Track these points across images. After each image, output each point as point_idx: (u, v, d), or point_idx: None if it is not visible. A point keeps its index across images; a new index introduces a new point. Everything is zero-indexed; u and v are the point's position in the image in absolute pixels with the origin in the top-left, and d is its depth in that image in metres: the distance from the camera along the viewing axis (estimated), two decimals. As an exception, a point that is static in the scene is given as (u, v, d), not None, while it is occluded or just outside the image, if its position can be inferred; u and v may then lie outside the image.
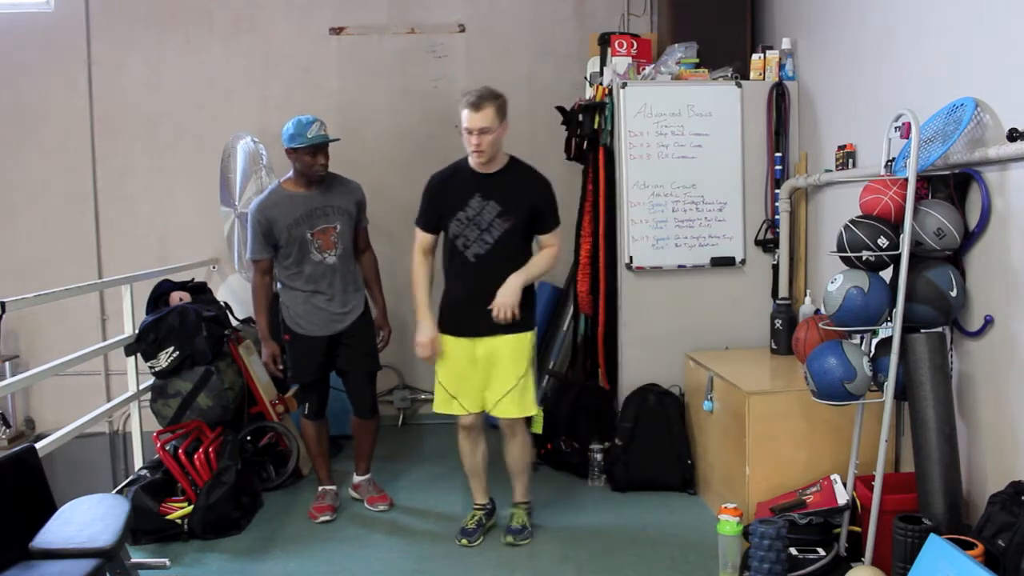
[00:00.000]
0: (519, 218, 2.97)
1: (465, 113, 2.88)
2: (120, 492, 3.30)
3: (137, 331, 3.68)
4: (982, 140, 2.45)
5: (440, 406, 3.11)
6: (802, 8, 3.76)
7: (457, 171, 3.07)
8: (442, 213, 3.03)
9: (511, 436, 3.12)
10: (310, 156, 3.28)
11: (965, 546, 2.09)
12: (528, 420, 3.11)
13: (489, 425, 3.21)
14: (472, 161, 2.97)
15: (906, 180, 2.45)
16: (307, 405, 3.50)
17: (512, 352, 3.00)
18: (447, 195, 3.04)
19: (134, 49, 4.84)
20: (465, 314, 3.02)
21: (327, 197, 3.37)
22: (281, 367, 3.47)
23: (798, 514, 2.69)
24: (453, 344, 3.05)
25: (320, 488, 3.55)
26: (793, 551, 2.56)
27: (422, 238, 3.11)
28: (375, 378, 3.60)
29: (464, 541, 3.09)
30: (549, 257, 3.06)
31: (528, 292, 3.02)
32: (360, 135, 4.79)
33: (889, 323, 2.50)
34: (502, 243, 2.96)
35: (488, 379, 3.03)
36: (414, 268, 3.11)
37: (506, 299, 2.91)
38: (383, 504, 3.52)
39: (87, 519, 2.27)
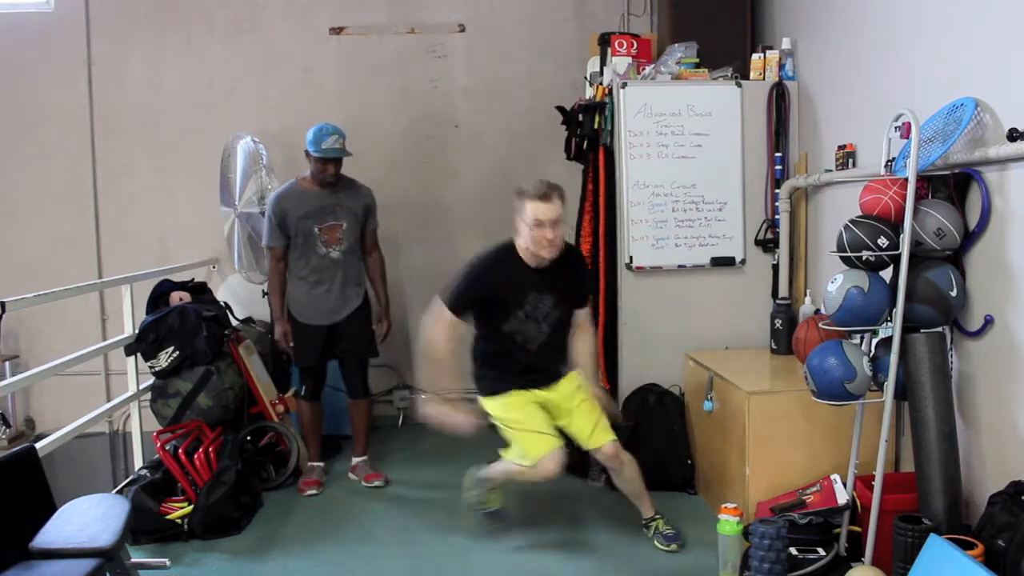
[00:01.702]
0: (568, 304, 3.03)
1: (533, 205, 2.80)
2: (120, 492, 3.30)
3: (137, 331, 3.68)
4: (982, 140, 2.45)
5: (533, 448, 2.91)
6: (802, 8, 3.76)
7: (507, 262, 2.94)
8: (492, 305, 2.94)
9: (619, 465, 3.02)
10: (320, 165, 3.62)
11: (965, 546, 2.09)
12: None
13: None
14: (545, 254, 2.87)
15: (906, 180, 2.45)
16: (304, 387, 3.79)
17: (575, 389, 3.05)
18: (501, 288, 2.93)
19: (134, 49, 4.84)
20: (525, 378, 3.01)
21: (337, 197, 3.69)
22: (292, 344, 3.75)
23: (798, 514, 2.69)
24: (516, 396, 3.00)
25: (309, 464, 3.85)
26: (793, 551, 2.56)
27: (450, 321, 2.89)
28: (367, 364, 3.89)
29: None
30: (593, 339, 3.16)
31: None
32: (360, 135, 4.75)
33: (889, 323, 2.50)
34: (557, 328, 3.00)
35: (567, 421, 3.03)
36: (436, 351, 2.91)
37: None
38: (378, 481, 3.77)
39: (87, 519, 2.27)
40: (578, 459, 3.76)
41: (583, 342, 3.10)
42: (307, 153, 3.63)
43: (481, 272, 2.95)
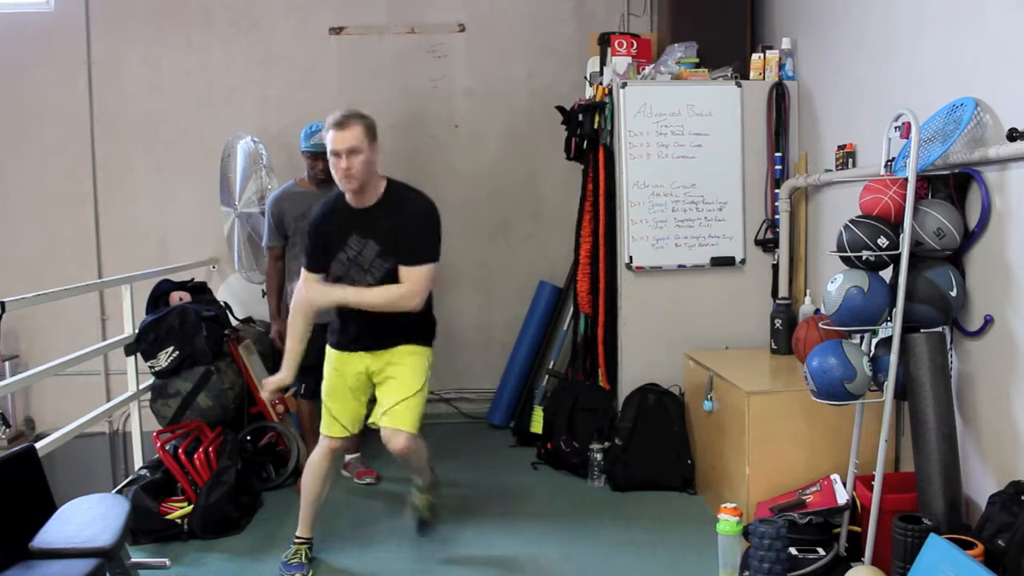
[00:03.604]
0: (397, 256, 2.70)
1: (329, 135, 2.63)
2: (120, 492, 3.30)
3: (137, 331, 3.68)
4: (982, 140, 2.45)
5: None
6: (802, 8, 3.76)
7: (335, 204, 2.81)
8: (324, 250, 2.79)
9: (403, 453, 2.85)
10: (311, 160, 3.68)
11: (965, 546, 2.09)
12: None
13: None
14: (345, 186, 2.68)
15: (906, 180, 2.45)
16: (304, 385, 3.75)
17: (410, 363, 2.83)
18: (328, 230, 2.78)
19: (134, 49, 4.84)
20: (352, 335, 2.84)
21: None
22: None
23: (798, 514, 2.69)
24: (340, 359, 2.87)
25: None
26: (793, 551, 2.56)
27: (307, 277, 2.84)
28: None
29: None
30: (386, 291, 2.70)
31: (422, 313, 2.80)
32: (360, 135, 4.78)
33: (889, 323, 2.50)
34: (387, 283, 2.72)
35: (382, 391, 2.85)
36: (293, 308, 2.86)
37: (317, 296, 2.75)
38: (370, 478, 3.81)
39: (87, 519, 2.27)
40: (578, 459, 3.79)
41: (383, 288, 2.74)
42: (301, 152, 3.72)
43: (312, 221, 2.88)
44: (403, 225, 2.72)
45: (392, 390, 2.80)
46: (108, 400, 4.54)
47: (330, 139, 2.64)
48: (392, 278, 2.71)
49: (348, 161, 2.62)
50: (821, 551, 2.58)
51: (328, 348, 2.91)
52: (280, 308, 3.80)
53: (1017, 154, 2.26)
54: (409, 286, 2.69)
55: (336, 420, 2.88)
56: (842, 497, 2.68)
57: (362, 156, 2.63)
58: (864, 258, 2.49)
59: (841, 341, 2.57)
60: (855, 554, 2.61)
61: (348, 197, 2.76)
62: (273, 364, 4.10)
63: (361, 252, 2.74)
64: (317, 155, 3.63)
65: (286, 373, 2.89)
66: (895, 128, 2.62)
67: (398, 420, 2.76)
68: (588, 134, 3.89)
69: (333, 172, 2.69)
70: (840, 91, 3.42)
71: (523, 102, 4.87)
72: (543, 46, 4.86)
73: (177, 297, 3.91)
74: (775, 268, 3.79)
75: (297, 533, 2.96)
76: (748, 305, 3.82)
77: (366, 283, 2.75)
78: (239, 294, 4.62)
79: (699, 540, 3.01)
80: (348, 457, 3.93)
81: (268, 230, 3.76)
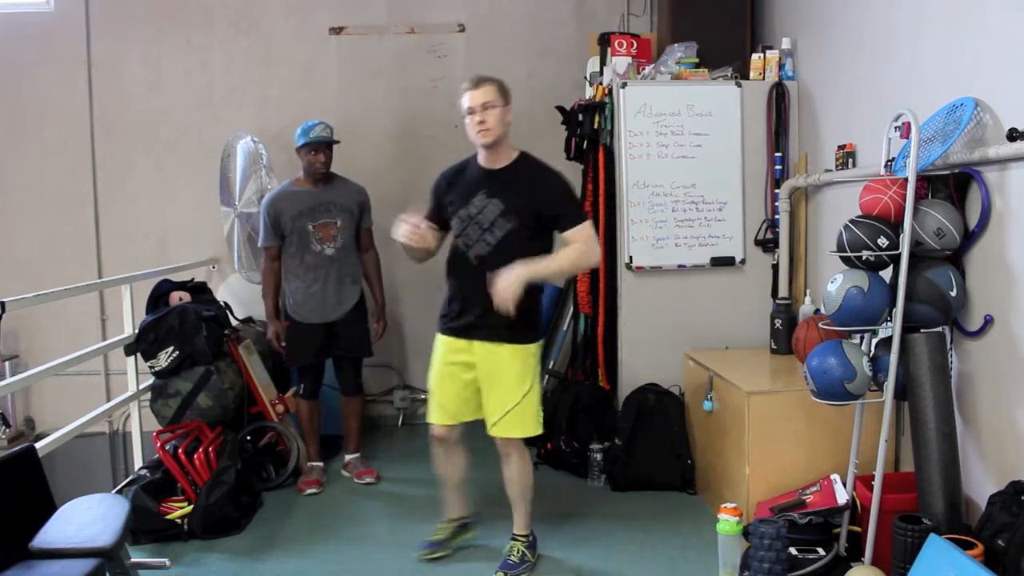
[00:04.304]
0: (523, 219, 2.72)
1: (465, 96, 2.71)
2: (120, 492, 3.30)
3: (137, 331, 3.68)
4: (982, 140, 2.45)
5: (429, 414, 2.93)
6: (802, 8, 3.76)
7: (465, 167, 2.89)
8: (445, 209, 2.87)
9: (507, 458, 2.88)
10: (311, 154, 3.66)
11: (965, 546, 2.09)
12: (527, 440, 2.89)
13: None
14: (477, 142, 2.75)
15: (906, 180, 2.45)
16: (302, 386, 3.81)
17: (515, 363, 2.77)
18: (451, 191, 2.86)
19: (134, 49, 4.84)
20: (453, 316, 2.84)
21: (331, 195, 3.74)
22: (283, 344, 3.78)
23: (798, 514, 2.69)
24: (446, 344, 2.87)
25: (308, 464, 3.85)
26: (793, 551, 2.56)
27: (425, 223, 2.85)
28: (361, 363, 3.93)
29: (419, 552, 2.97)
30: (571, 253, 2.70)
31: (532, 300, 2.76)
32: (360, 135, 4.78)
33: (889, 323, 2.50)
34: (505, 245, 2.71)
35: (484, 393, 2.83)
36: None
37: (505, 287, 2.58)
38: (370, 477, 3.79)
39: (87, 519, 2.27)
40: (578, 459, 3.79)
41: (561, 254, 2.73)
42: (297, 150, 3.70)
43: (437, 178, 2.95)
44: (544, 192, 2.75)
45: (498, 398, 2.79)
46: (108, 400, 4.54)
47: (465, 99, 2.72)
48: (513, 238, 2.72)
49: (483, 115, 2.69)
50: (821, 551, 2.58)
51: (437, 335, 2.91)
52: (277, 310, 3.80)
53: (1017, 154, 2.26)
54: (584, 243, 2.72)
55: (440, 408, 2.89)
56: (842, 497, 2.68)
57: (496, 110, 2.71)
58: (864, 258, 2.50)
59: (841, 341, 2.57)
60: (855, 554, 2.61)
61: (480, 157, 2.82)
62: (273, 364, 4.11)
63: (482, 211, 2.76)
64: (319, 147, 3.64)
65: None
66: (895, 128, 2.62)
67: (506, 430, 2.79)
68: (588, 134, 3.89)
69: (469, 131, 2.74)
70: (840, 91, 3.42)
71: (523, 102, 4.82)
72: (543, 46, 4.86)
73: (177, 297, 3.91)
74: (775, 268, 3.79)
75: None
76: (748, 305, 3.82)
77: (485, 242, 2.75)
78: (239, 294, 4.62)
79: (699, 540, 3.01)
80: (348, 457, 3.94)
81: (263, 230, 3.75)
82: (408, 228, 2.74)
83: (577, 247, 2.71)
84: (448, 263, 2.91)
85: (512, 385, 2.77)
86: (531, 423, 2.81)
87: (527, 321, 2.77)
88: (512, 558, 2.87)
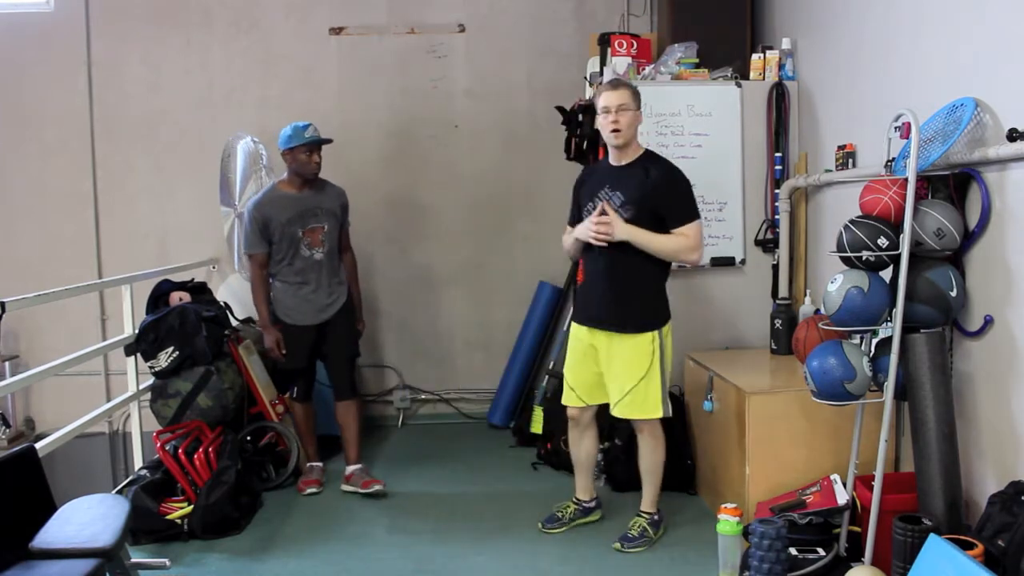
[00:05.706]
0: (639, 211, 2.90)
1: (601, 95, 2.92)
2: (120, 492, 3.30)
3: (137, 331, 3.68)
4: (982, 140, 2.45)
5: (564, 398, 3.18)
6: (802, 8, 3.76)
7: (599, 166, 3.14)
8: (582, 208, 3.07)
9: (640, 435, 3.07)
10: (307, 154, 3.59)
11: (965, 546, 2.09)
12: (663, 421, 3.04)
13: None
14: (610, 142, 2.96)
15: (906, 180, 2.45)
16: (296, 388, 3.81)
17: (631, 351, 2.95)
18: (583, 188, 3.09)
19: (134, 49, 4.84)
20: (584, 302, 3.10)
21: (318, 199, 3.68)
22: (284, 352, 3.69)
23: (798, 514, 2.69)
24: (576, 332, 3.10)
25: (307, 464, 3.84)
26: (793, 551, 2.56)
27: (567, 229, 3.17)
28: (354, 362, 3.88)
29: (539, 525, 3.20)
30: (675, 240, 2.90)
31: (652, 289, 2.99)
32: (360, 135, 4.79)
33: (889, 323, 2.50)
34: (628, 245, 2.90)
35: (609, 376, 3.02)
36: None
37: (610, 220, 2.87)
38: (378, 486, 3.63)
39: (87, 519, 2.27)
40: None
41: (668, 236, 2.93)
42: (285, 152, 3.60)
43: (576, 181, 3.18)
44: (663, 186, 2.93)
45: (617, 382, 2.98)
46: (108, 400, 4.54)
47: (603, 98, 2.91)
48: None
49: (617, 115, 2.89)
50: (821, 551, 2.58)
51: (571, 324, 3.16)
52: (270, 316, 3.68)
53: (1017, 154, 2.26)
54: (690, 240, 2.91)
55: (572, 390, 3.12)
56: (842, 497, 2.68)
57: (629, 113, 2.91)
58: (864, 258, 2.49)
59: (841, 341, 2.57)
60: (855, 554, 2.61)
61: (611, 155, 3.02)
62: (272, 367, 4.10)
63: (608, 201, 2.95)
64: (315, 148, 3.59)
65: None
66: (895, 128, 2.62)
67: (626, 411, 2.97)
68: (588, 134, 3.88)
69: (601, 129, 2.96)
70: (840, 91, 3.42)
71: (523, 102, 4.87)
72: (543, 46, 4.86)
73: (177, 297, 3.91)
74: (775, 268, 3.79)
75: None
76: (748, 305, 3.82)
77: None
78: (239, 294, 4.62)
79: (699, 540, 3.01)
80: (350, 468, 3.75)
81: (250, 236, 3.62)
82: (593, 224, 2.91)
83: (682, 239, 2.91)
84: (582, 256, 3.14)
85: (629, 370, 2.95)
86: (651, 406, 2.96)
87: (647, 309, 2.98)
88: (632, 531, 3.05)
